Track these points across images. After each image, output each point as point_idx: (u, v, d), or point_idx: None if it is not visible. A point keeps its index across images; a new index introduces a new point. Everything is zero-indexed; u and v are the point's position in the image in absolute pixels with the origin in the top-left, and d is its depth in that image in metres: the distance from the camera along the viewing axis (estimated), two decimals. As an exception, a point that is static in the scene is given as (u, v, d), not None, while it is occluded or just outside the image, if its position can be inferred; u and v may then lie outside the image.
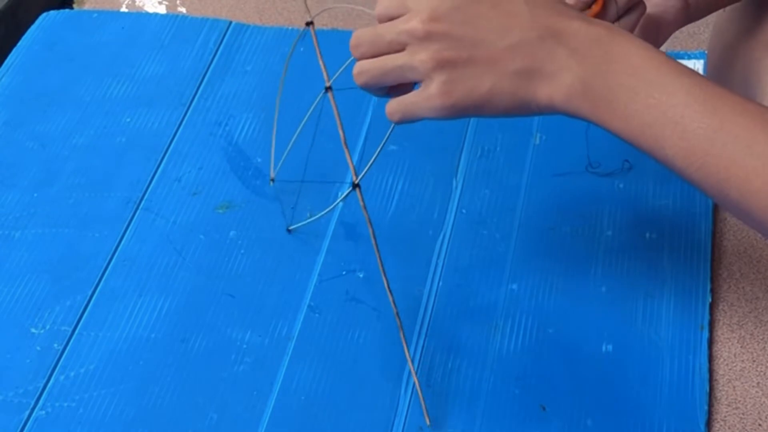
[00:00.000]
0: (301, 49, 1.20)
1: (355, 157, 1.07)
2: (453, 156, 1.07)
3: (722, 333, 0.92)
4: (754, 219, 0.68)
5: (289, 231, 1.00)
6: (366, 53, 0.76)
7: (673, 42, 1.21)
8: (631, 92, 0.69)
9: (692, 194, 1.02)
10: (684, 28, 1.02)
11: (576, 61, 0.70)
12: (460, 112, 0.73)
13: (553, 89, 0.71)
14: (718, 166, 0.67)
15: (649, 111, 0.69)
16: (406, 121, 0.76)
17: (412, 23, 0.72)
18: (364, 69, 0.76)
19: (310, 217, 1.00)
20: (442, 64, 0.72)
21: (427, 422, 0.83)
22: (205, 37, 1.22)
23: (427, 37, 0.72)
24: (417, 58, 0.72)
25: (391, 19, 0.75)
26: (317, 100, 0.98)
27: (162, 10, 1.28)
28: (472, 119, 1.10)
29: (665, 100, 0.68)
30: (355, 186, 0.84)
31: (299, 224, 1.00)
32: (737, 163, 0.66)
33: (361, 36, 0.76)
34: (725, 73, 1.00)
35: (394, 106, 0.76)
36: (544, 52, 0.71)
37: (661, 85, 0.69)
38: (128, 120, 1.13)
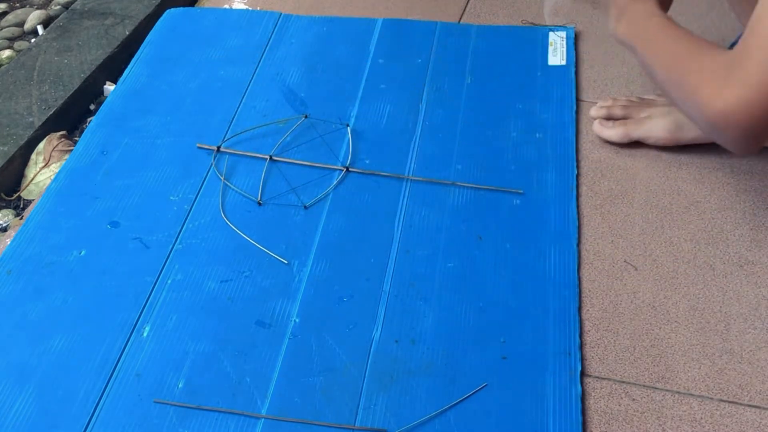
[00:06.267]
0: (325, 28, 1.15)
1: (358, 99, 1.02)
2: (419, 91, 1.02)
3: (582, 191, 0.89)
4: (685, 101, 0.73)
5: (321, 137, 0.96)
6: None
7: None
8: (641, 28, 0.81)
9: (562, 109, 0.98)
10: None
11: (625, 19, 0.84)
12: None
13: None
14: (669, 65, 0.75)
15: (646, 34, 0.80)
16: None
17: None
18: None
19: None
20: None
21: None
22: (266, 21, 1.15)
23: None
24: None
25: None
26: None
27: (242, 6, 1.22)
28: (428, 71, 1.04)
29: (651, 31, 0.80)
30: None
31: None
32: (677, 62, 0.74)
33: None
34: None
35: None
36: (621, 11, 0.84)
37: (649, 25, 0.80)
38: (222, 72, 1.06)
